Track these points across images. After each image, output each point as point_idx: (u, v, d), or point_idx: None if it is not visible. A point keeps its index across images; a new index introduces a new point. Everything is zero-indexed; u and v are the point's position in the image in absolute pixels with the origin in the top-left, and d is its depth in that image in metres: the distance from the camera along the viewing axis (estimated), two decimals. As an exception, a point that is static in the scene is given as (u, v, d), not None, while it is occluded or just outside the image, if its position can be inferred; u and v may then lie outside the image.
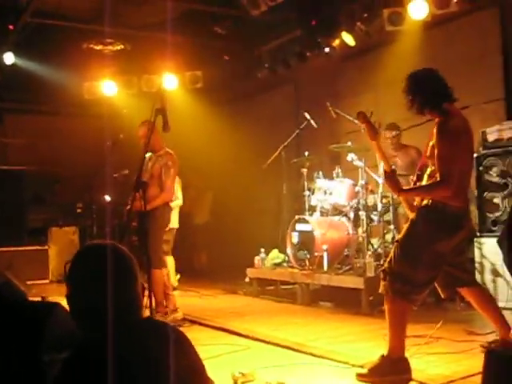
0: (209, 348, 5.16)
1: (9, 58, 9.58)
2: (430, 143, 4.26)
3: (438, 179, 4.08)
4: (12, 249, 10.47)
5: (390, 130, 7.77)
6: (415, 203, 4.33)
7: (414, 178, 4.48)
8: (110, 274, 2.09)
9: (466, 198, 4.32)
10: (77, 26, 9.64)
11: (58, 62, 10.23)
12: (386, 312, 4.21)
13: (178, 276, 9.37)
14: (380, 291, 4.25)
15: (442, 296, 4.54)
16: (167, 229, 8.84)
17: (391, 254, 4.26)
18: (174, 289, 9.09)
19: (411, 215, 4.32)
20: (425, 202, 4.24)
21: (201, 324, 6.67)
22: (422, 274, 4.12)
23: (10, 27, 9.02)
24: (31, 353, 3.13)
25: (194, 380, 2.07)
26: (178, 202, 9.17)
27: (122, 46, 10.53)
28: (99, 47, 10.65)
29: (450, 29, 8.16)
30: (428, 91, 4.29)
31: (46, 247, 11.03)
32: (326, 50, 9.23)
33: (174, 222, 9.30)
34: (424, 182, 4.33)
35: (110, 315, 2.05)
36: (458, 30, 8.19)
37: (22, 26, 9.20)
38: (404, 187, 4.42)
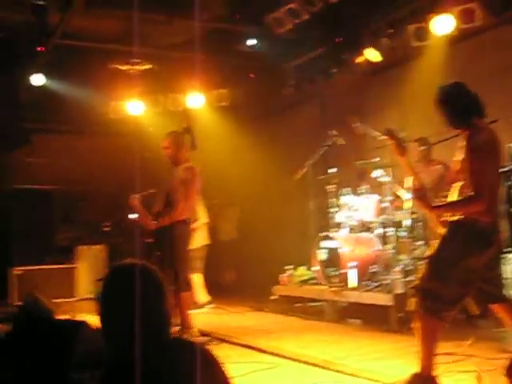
0: (236, 366, 5.12)
1: (38, 80, 9.72)
2: (459, 158, 4.21)
3: (471, 194, 4.03)
4: (40, 267, 10.55)
5: (420, 145, 7.72)
6: (445, 219, 4.27)
7: (446, 194, 4.43)
8: (140, 294, 2.08)
9: (497, 214, 4.27)
10: (103, 47, 9.76)
11: (84, 82, 10.35)
12: (416, 329, 4.15)
13: (211, 305, 9.33)
14: (411, 308, 4.20)
15: (474, 313, 4.47)
16: (198, 246, 8.87)
17: (423, 271, 4.21)
18: (208, 303, 9.14)
19: (441, 231, 4.26)
20: (455, 217, 4.19)
21: (228, 342, 6.65)
22: (453, 290, 4.06)
23: (39, 49, 9.14)
24: (59, 369, 3.14)
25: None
26: (201, 220, 9.17)
27: (149, 66, 10.62)
28: (125, 67, 10.76)
29: (476, 43, 8.11)
30: (457, 106, 4.27)
31: (74, 265, 11.10)
32: (352, 66, 9.23)
33: (205, 239, 9.35)
34: (454, 197, 4.27)
35: (141, 336, 2.04)
36: (484, 44, 8.13)
37: (51, 48, 9.34)
38: (435, 203, 4.36)
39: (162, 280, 2.21)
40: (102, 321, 2.17)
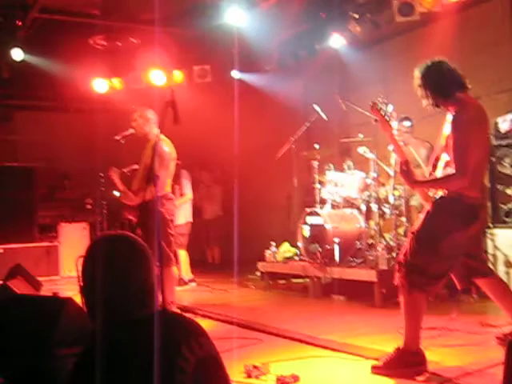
0: (221, 342, 5.11)
1: (17, 54, 9.57)
2: (445, 134, 4.20)
3: (454, 170, 4.03)
4: (22, 245, 10.48)
5: (403, 121, 7.70)
6: (431, 194, 4.27)
7: (430, 169, 4.42)
8: (122, 264, 2.06)
9: (482, 189, 4.28)
10: (83, 21, 9.62)
11: (66, 58, 10.21)
12: (401, 304, 4.16)
13: (193, 284, 9.34)
14: (395, 283, 4.20)
15: (458, 287, 4.50)
16: (183, 223, 8.84)
17: (407, 246, 4.22)
18: (191, 281, 9.14)
19: (427, 206, 4.26)
20: (440, 192, 4.19)
21: (212, 318, 6.64)
22: (438, 264, 4.08)
23: (18, 23, 9.01)
24: (44, 346, 3.12)
25: (213, 371, 2.03)
26: (187, 196, 9.19)
27: (133, 41, 10.50)
28: (106, 42, 10.63)
29: (461, 19, 8.08)
30: (438, 82, 4.25)
31: (56, 243, 11.04)
32: (335, 42, 9.17)
33: (188, 216, 9.33)
34: (439, 173, 4.27)
35: (122, 307, 2.02)
36: (469, 20, 8.11)
37: (30, 22, 9.21)
38: (419, 179, 4.35)
39: (147, 251, 2.18)
40: (84, 292, 2.14)
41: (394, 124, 4.52)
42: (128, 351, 1.93)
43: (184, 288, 8.84)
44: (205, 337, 2.05)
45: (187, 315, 5.85)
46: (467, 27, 8.11)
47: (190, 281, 9.19)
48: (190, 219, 9.38)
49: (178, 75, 10.96)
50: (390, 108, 4.49)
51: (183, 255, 9.11)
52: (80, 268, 2.14)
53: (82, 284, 2.14)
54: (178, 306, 6.72)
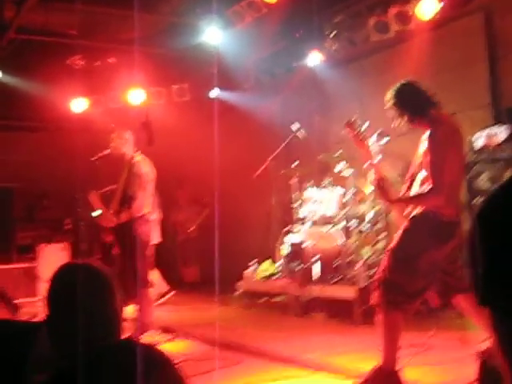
0: (201, 364, 5.09)
1: (-6, 74, 9.53)
2: (421, 151, 4.23)
3: (430, 187, 4.05)
4: (0, 267, 10.36)
5: (379, 138, 7.73)
6: (406, 211, 4.29)
7: (406, 187, 4.45)
8: (84, 295, 2.04)
9: (458, 206, 4.30)
10: (60, 41, 9.60)
11: (43, 77, 10.18)
12: (379, 322, 4.16)
13: (172, 292, 9.30)
14: (372, 302, 4.20)
15: (436, 304, 4.50)
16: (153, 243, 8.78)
17: (383, 264, 4.22)
18: (169, 291, 9.13)
19: (403, 223, 4.28)
20: (416, 210, 4.21)
21: (192, 338, 6.60)
22: (415, 282, 4.08)
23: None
24: (16, 372, 3.07)
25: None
26: (155, 215, 9.10)
27: (112, 60, 10.51)
28: (83, 62, 10.62)
29: (436, 36, 8.14)
30: (413, 101, 4.30)
31: (35, 264, 10.92)
32: (311, 60, 9.24)
33: (158, 237, 9.26)
34: (415, 191, 4.29)
35: (85, 338, 1.99)
36: (443, 38, 8.17)
37: (8, 42, 9.17)
38: (395, 196, 4.38)
39: (109, 279, 2.16)
40: (48, 323, 2.12)
41: (371, 140, 4.55)
42: (92, 380, 1.91)
43: (164, 299, 8.84)
44: (169, 367, 2.02)
45: (165, 335, 5.80)
46: (442, 45, 8.17)
47: (168, 291, 9.17)
48: (157, 240, 9.29)
49: (156, 94, 10.95)
50: (366, 125, 4.52)
51: (155, 272, 9.05)
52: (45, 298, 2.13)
53: (46, 314, 2.12)
54: (157, 326, 6.68)
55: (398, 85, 4.38)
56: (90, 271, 2.14)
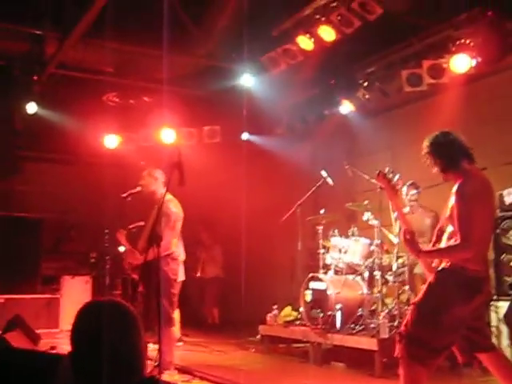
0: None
1: (31, 108, 9.72)
2: (450, 204, 4.21)
3: (458, 241, 4.02)
4: (24, 296, 10.43)
5: (410, 189, 7.73)
6: (433, 265, 4.26)
7: (434, 239, 4.42)
8: (109, 333, 2.06)
9: (486, 262, 4.26)
10: (97, 78, 9.80)
11: (78, 112, 10.37)
12: (400, 377, 4.09)
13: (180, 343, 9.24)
14: (395, 355, 4.14)
15: (459, 361, 4.42)
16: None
17: (408, 317, 4.17)
18: (179, 341, 9.04)
19: (429, 277, 4.24)
20: (443, 264, 4.17)
21: (209, 380, 6.54)
22: (439, 338, 4.02)
23: (35, 78, 9.19)
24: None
25: None
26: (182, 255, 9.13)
27: (147, 99, 10.69)
28: (118, 99, 10.82)
29: (468, 91, 8.18)
30: (447, 152, 4.29)
31: (58, 296, 10.98)
32: (344, 108, 9.32)
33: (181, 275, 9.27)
34: (443, 244, 4.26)
35: (111, 375, 2.00)
36: (476, 92, 8.21)
37: (47, 77, 9.40)
38: (423, 249, 4.34)
39: (135, 317, 2.18)
40: (73, 359, 2.13)
41: (402, 191, 4.54)
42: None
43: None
44: None
45: (183, 376, 5.77)
46: (475, 99, 8.21)
47: (178, 340, 9.11)
48: (182, 278, 9.31)
49: (188, 135, 11.07)
50: (397, 177, 4.53)
51: (177, 314, 9.03)
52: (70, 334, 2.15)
53: (71, 350, 2.14)
54: (176, 367, 6.65)
55: (436, 133, 4.37)
56: (115, 309, 2.16)
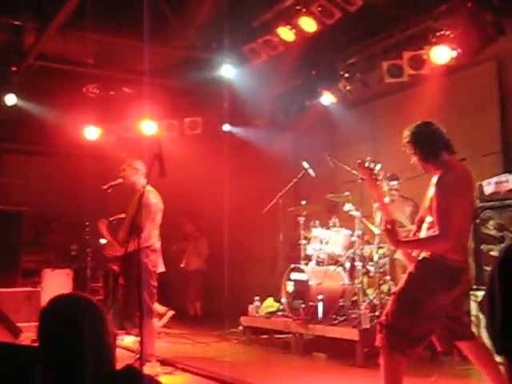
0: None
1: (10, 99, 9.62)
2: (429, 195, 4.23)
3: (437, 232, 4.05)
4: (4, 290, 10.34)
5: (390, 180, 7.76)
6: (413, 254, 4.28)
7: (414, 230, 4.44)
8: (76, 327, 2.07)
9: (465, 252, 4.29)
10: (77, 70, 9.72)
11: (58, 104, 10.28)
12: (381, 366, 4.12)
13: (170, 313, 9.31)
14: (376, 344, 4.16)
15: (439, 349, 4.46)
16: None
17: (388, 307, 4.20)
18: (164, 314, 9.10)
19: (409, 267, 4.26)
20: (423, 254, 4.20)
21: (191, 372, 6.54)
22: (419, 327, 4.05)
23: (13, 69, 9.09)
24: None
25: None
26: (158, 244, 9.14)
27: (127, 90, 10.63)
28: (99, 91, 10.75)
29: (449, 82, 8.22)
30: (428, 144, 4.30)
31: (39, 289, 10.91)
32: (325, 99, 9.32)
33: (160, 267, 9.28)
34: (422, 234, 4.28)
35: (78, 369, 2.01)
36: (457, 83, 8.25)
37: (26, 68, 9.31)
38: (402, 239, 4.37)
39: (99, 308, 2.19)
40: (40, 352, 2.14)
41: (383, 183, 4.55)
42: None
43: (165, 318, 8.88)
44: None
45: (165, 368, 5.76)
46: (454, 90, 8.24)
47: (167, 311, 9.17)
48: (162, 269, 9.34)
49: (169, 126, 11.03)
50: (378, 167, 4.53)
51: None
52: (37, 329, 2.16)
53: (38, 345, 2.14)
54: (157, 359, 6.64)
55: (417, 123, 4.39)
56: (78, 301, 2.18)
